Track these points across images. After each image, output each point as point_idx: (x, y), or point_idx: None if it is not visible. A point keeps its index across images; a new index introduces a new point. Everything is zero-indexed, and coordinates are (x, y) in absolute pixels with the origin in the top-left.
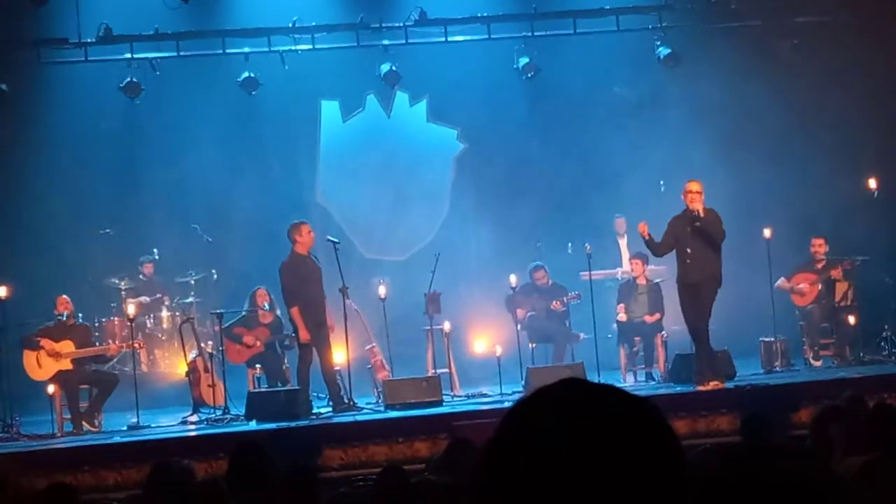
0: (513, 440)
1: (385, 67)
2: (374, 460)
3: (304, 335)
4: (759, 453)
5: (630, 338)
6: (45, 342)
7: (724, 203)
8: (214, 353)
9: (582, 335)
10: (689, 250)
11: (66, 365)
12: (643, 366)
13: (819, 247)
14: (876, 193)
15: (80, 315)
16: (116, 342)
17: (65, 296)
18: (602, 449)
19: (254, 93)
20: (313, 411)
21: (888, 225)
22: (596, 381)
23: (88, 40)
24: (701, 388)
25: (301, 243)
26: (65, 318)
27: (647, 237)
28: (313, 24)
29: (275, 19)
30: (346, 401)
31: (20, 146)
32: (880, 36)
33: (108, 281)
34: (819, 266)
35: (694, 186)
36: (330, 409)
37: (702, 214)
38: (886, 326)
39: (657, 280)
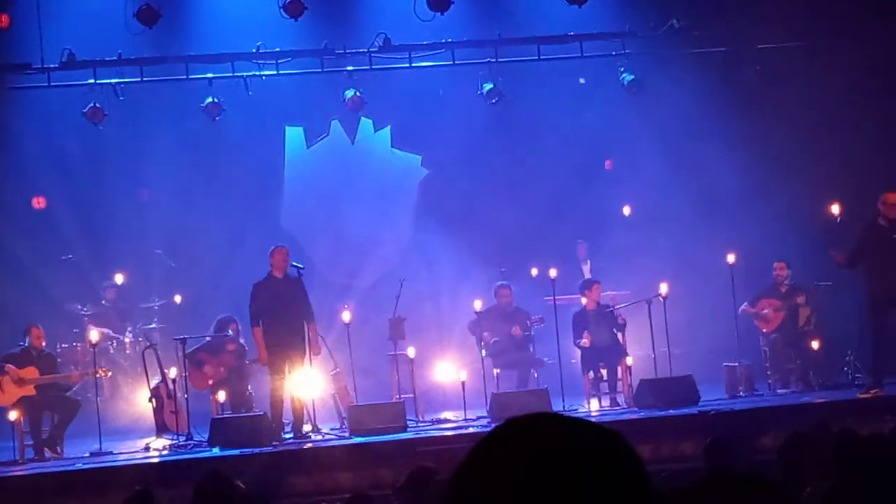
0: (481, 473)
1: (349, 93)
2: (338, 487)
3: (261, 356)
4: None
5: (594, 363)
6: (9, 368)
7: (686, 228)
8: (178, 378)
9: (546, 360)
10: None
11: (30, 391)
12: (607, 391)
13: (781, 270)
14: (839, 219)
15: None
16: (79, 368)
17: (39, 327)
18: (570, 482)
19: (217, 118)
20: (284, 436)
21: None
22: (560, 406)
23: (51, 65)
24: (862, 395)
25: (274, 266)
26: (32, 348)
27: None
28: (277, 49)
29: (239, 45)
30: (311, 427)
31: None
32: (843, 62)
33: (71, 307)
34: (783, 291)
35: (892, 198)
36: (293, 435)
37: None
38: (850, 352)
39: (616, 306)
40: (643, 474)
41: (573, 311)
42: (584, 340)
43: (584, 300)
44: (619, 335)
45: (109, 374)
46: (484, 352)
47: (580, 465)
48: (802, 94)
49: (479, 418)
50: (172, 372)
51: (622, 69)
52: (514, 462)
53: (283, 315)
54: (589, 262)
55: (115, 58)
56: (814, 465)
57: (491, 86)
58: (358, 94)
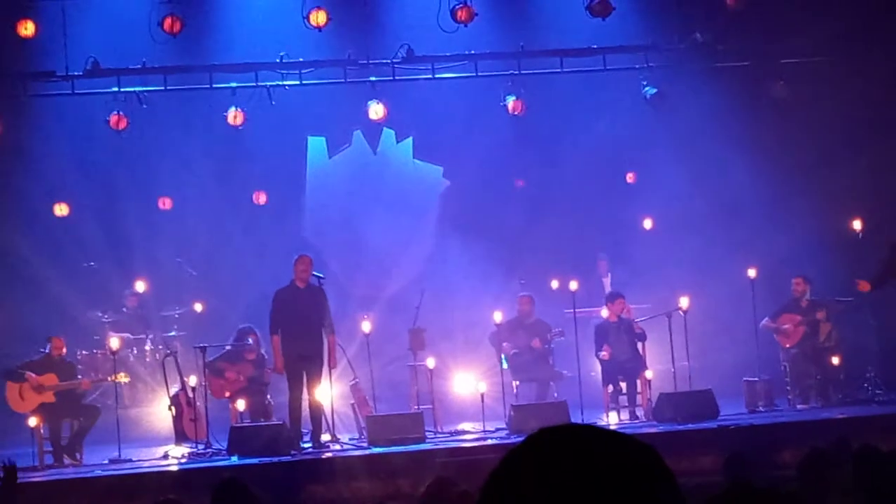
0: (514, 483)
1: (376, 111)
2: (356, 497)
3: (278, 365)
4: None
5: (614, 377)
6: (28, 375)
7: (709, 242)
8: (197, 387)
9: (565, 373)
10: None
11: (49, 398)
12: (627, 405)
13: (798, 285)
14: (861, 234)
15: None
16: (99, 375)
17: (60, 338)
18: (603, 496)
19: (241, 127)
20: (303, 445)
21: (871, 266)
22: (578, 419)
23: (76, 73)
24: None
25: (297, 275)
26: (52, 355)
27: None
28: (301, 59)
29: (263, 54)
30: (330, 436)
31: (6, 178)
32: (865, 77)
33: (92, 314)
34: (804, 307)
35: None
36: (312, 444)
37: None
38: (870, 368)
39: (636, 320)
40: (676, 489)
41: (595, 323)
42: (603, 353)
43: (605, 312)
44: (640, 346)
45: (127, 379)
46: (505, 364)
47: (613, 479)
48: (825, 108)
49: (497, 430)
50: (192, 380)
51: (645, 82)
52: (547, 474)
53: (302, 324)
54: (610, 275)
55: (139, 66)
56: (833, 481)
57: (514, 97)
58: (384, 107)
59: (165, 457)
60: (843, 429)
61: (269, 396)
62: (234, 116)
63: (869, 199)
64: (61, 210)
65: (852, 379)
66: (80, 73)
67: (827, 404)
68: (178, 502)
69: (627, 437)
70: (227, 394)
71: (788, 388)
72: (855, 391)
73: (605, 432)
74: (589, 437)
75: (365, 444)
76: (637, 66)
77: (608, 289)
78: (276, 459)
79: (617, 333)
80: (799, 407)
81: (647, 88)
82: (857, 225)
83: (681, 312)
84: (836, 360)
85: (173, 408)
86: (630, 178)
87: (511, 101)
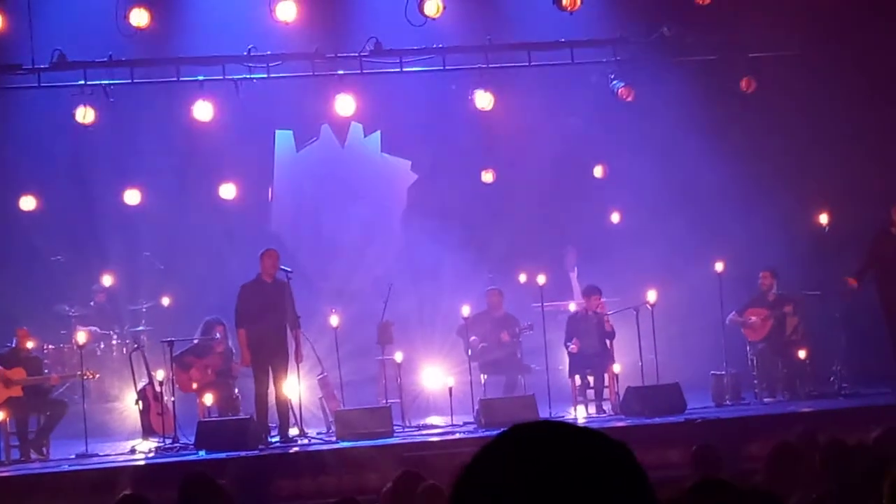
0: (486, 480)
1: (340, 98)
2: (324, 491)
3: (244, 357)
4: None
5: (581, 369)
6: None
7: (676, 236)
8: (165, 381)
9: (534, 367)
10: None
11: (17, 392)
12: (594, 398)
13: (766, 279)
14: (827, 228)
15: (29, 343)
16: (66, 370)
17: (26, 329)
18: (576, 492)
19: (208, 121)
20: (271, 439)
21: (838, 260)
22: (546, 413)
23: (42, 66)
24: None
25: (263, 269)
26: (20, 349)
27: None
28: (268, 52)
29: (230, 48)
30: (298, 430)
31: None
32: (833, 73)
33: (59, 308)
34: (771, 300)
35: None
36: (280, 439)
37: None
38: (837, 361)
39: (609, 312)
40: (648, 486)
41: (567, 315)
42: (572, 346)
43: (572, 306)
44: (608, 342)
45: (97, 376)
46: (469, 355)
47: (586, 475)
48: (793, 102)
49: (465, 424)
50: (159, 374)
51: (613, 76)
52: (520, 469)
53: (268, 318)
54: (576, 269)
55: (105, 59)
56: (800, 473)
57: (482, 92)
58: (353, 101)
59: (133, 451)
60: (810, 422)
61: (236, 390)
62: (201, 110)
63: (836, 193)
64: (28, 203)
65: (819, 372)
66: (47, 66)
67: (794, 398)
68: (141, 497)
69: (600, 433)
70: (195, 386)
71: (755, 381)
72: (822, 384)
73: (577, 429)
74: (561, 433)
75: (333, 439)
76: (604, 60)
77: (575, 282)
78: (243, 454)
79: (587, 327)
80: (766, 400)
81: (614, 82)
82: (823, 219)
83: (648, 306)
84: (802, 354)
85: (140, 402)
86: (598, 171)
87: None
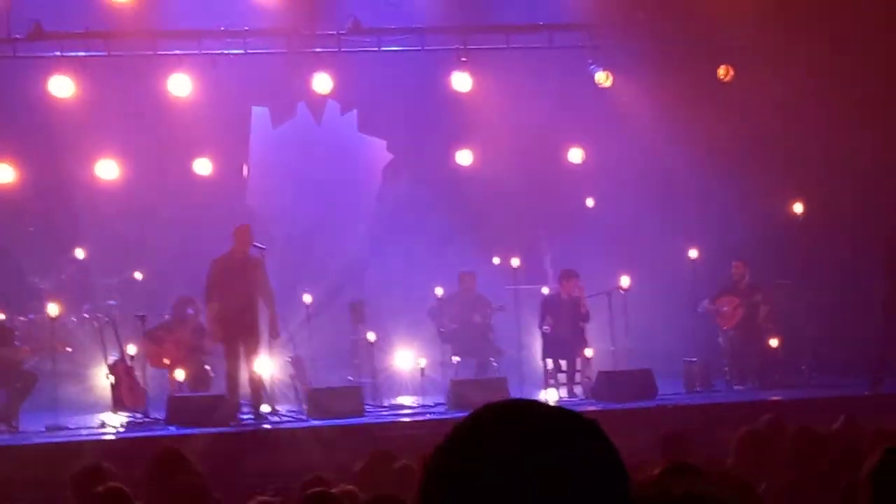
0: (459, 458)
1: (317, 76)
2: (294, 469)
3: (214, 333)
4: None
5: (554, 353)
6: None
7: (650, 223)
8: (136, 356)
9: (505, 349)
10: None
11: None
12: (566, 382)
13: (738, 268)
14: (801, 218)
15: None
16: (36, 343)
17: None
18: (549, 469)
19: (184, 95)
20: (242, 416)
21: (811, 249)
22: (518, 395)
23: (17, 37)
24: None
25: (236, 244)
26: None
27: None
28: (245, 28)
29: (208, 22)
30: (269, 408)
31: None
32: (809, 62)
33: (30, 280)
34: (743, 289)
35: None
36: (251, 416)
37: None
38: (807, 350)
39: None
40: (620, 463)
41: (543, 297)
42: (546, 327)
43: (545, 290)
44: (582, 326)
45: (68, 349)
46: (441, 336)
47: (558, 453)
48: (768, 90)
49: (437, 405)
50: (131, 349)
51: (590, 61)
52: (493, 448)
53: (239, 294)
54: (549, 253)
55: (81, 31)
56: (769, 461)
57: (460, 73)
58: (330, 79)
59: (103, 425)
60: (780, 410)
61: (208, 367)
62: (177, 84)
63: (810, 182)
64: (1, 174)
65: (789, 361)
66: (22, 37)
67: (764, 385)
68: (105, 469)
69: (571, 412)
70: (167, 362)
71: (726, 368)
72: (792, 373)
73: (549, 407)
74: (533, 412)
75: (304, 417)
76: (581, 45)
77: (549, 266)
78: (214, 430)
79: (562, 309)
80: (736, 388)
81: (592, 66)
82: (797, 208)
83: (621, 291)
84: (773, 343)
85: (112, 376)
86: (575, 155)
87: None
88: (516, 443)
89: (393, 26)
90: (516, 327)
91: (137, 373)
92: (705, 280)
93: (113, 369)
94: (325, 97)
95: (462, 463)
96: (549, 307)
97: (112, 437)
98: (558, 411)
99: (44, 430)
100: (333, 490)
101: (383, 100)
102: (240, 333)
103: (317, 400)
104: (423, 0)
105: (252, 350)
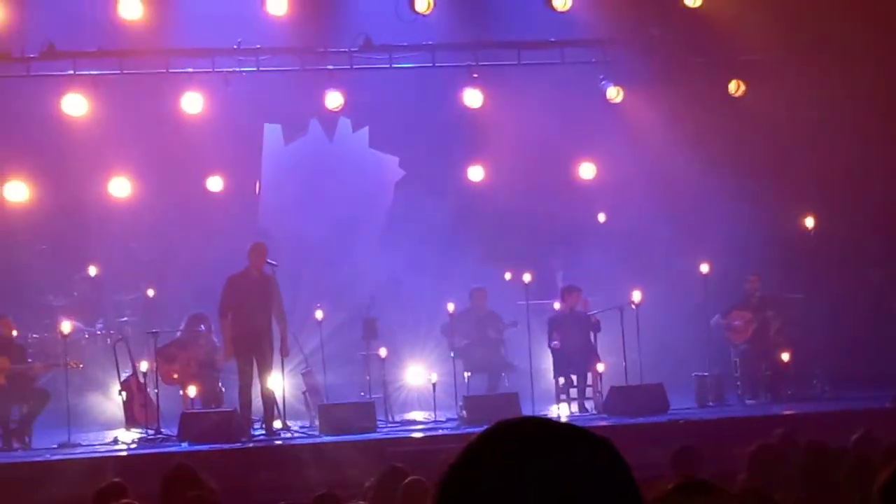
0: (472, 476)
1: (330, 93)
2: (306, 485)
3: (227, 349)
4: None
5: (565, 369)
6: None
7: (662, 238)
8: (149, 372)
9: (517, 364)
10: None
11: (0, 380)
12: (577, 397)
13: (754, 283)
14: (813, 232)
15: (12, 333)
16: (49, 359)
17: (9, 318)
18: (562, 489)
19: (196, 113)
20: (254, 432)
21: (823, 264)
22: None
23: (31, 56)
24: None
25: (251, 262)
26: (3, 337)
27: None
28: (258, 46)
29: (220, 40)
30: (281, 424)
31: None
32: (821, 77)
33: (43, 298)
34: (754, 303)
35: None
36: (263, 432)
37: None
38: (819, 364)
39: (593, 312)
40: (632, 481)
41: (550, 315)
42: (555, 342)
43: (557, 304)
44: (593, 336)
45: (81, 365)
46: (453, 354)
47: (571, 471)
48: (779, 105)
49: (448, 420)
50: (143, 365)
51: (602, 77)
52: (505, 466)
53: (253, 311)
54: (562, 271)
55: (94, 50)
56: (781, 475)
57: (472, 89)
58: (341, 96)
59: (115, 442)
60: (792, 424)
61: (220, 383)
62: (190, 102)
63: (821, 196)
64: (13, 193)
65: (801, 375)
66: (36, 56)
67: (776, 400)
68: (123, 486)
69: (583, 429)
70: (176, 376)
71: (738, 383)
72: (804, 387)
73: (561, 425)
74: (546, 430)
75: (316, 433)
76: (594, 60)
77: (560, 282)
78: (226, 446)
79: (569, 325)
80: (748, 402)
81: (603, 82)
82: (809, 222)
83: (633, 306)
84: (785, 357)
85: (124, 393)
86: (587, 171)
87: None
88: (528, 461)
89: (404, 43)
90: (528, 342)
91: (149, 389)
92: (717, 295)
93: (125, 386)
94: (337, 114)
95: (474, 481)
96: (556, 324)
97: (125, 454)
98: (570, 429)
99: (56, 446)
100: None
101: (395, 116)
102: (253, 350)
103: (329, 416)
104: (434, 17)
105: (265, 366)
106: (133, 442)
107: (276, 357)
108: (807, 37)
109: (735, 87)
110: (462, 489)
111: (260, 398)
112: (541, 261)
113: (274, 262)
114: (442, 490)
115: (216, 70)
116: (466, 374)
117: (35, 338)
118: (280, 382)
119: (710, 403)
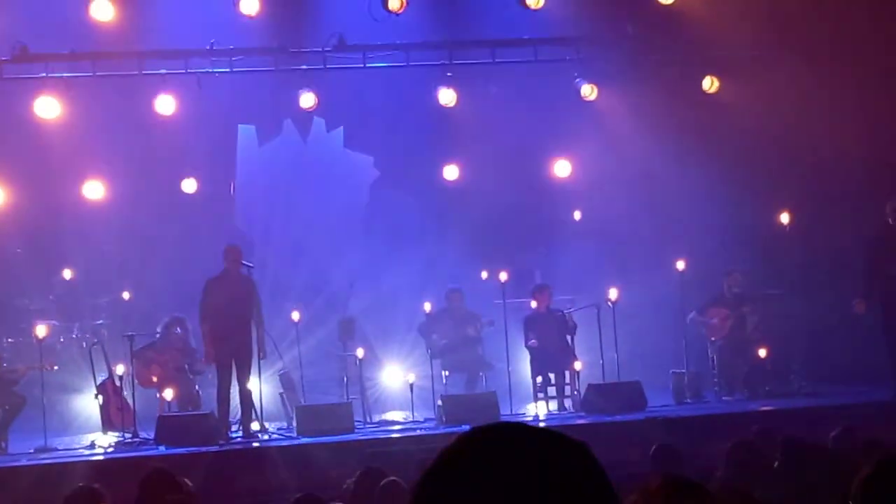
0: (448, 483)
1: (303, 93)
2: (285, 487)
3: (207, 353)
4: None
5: (543, 368)
6: None
7: (638, 235)
8: (125, 376)
9: (495, 363)
10: None
11: None
12: (555, 395)
13: (731, 280)
14: (788, 228)
15: None
16: (25, 363)
17: None
18: (538, 494)
19: (170, 115)
20: (231, 434)
21: (799, 259)
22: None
23: (3, 58)
24: None
25: (226, 264)
26: None
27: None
28: (231, 47)
29: (193, 42)
30: (259, 426)
31: None
32: (794, 73)
33: (18, 301)
34: (731, 300)
35: None
36: (241, 434)
37: None
38: (796, 360)
39: (567, 310)
40: (608, 486)
41: (527, 313)
42: (532, 341)
43: (533, 303)
44: (570, 338)
45: (55, 367)
46: (430, 352)
47: (546, 477)
48: (754, 102)
49: (426, 420)
50: (120, 369)
51: (576, 75)
52: (481, 473)
53: (232, 313)
54: (538, 270)
55: (67, 52)
56: (759, 471)
57: (445, 88)
58: (315, 96)
59: (92, 446)
60: (770, 421)
61: (197, 386)
62: (163, 104)
63: (797, 192)
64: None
65: (779, 371)
66: (8, 59)
67: (753, 396)
68: (98, 491)
69: (559, 434)
70: (155, 379)
71: (716, 380)
72: (781, 383)
73: (537, 430)
74: (521, 436)
75: (294, 434)
76: (568, 59)
77: (537, 280)
78: (203, 449)
79: (545, 324)
80: (725, 399)
81: (577, 80)
82: (784, 218)
83: (609, 304)
84: (762, 353)
85: (100, 396)
86: (562, 169)
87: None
88: (503, 466)
89: (378, 42)
90: (505, 341)
91: (126, 392)
92: (693, 292)
93: (101, 389)
94: (310, 114)
95: (450, 487)
96: (531, 324)
97: (101, 458)
98: (546, 434)
99: (32, 451)
100: None
101: (370, 116)
102: (233, 352)
103: (307, 417)
104: (407, 16)
105: (244, 368)
106: (110, 446)
107: (253, 359)
108: (781, 33)
109: (709, 84)
110: (436, 496)
111: (238, 400)
112: (517, 259)
113: (250, 264)
114: (416, 498)
115: (189, 71)
116: (444, 374)
117: (10, 342)
118: (257, 384)
119: (688, 400)
